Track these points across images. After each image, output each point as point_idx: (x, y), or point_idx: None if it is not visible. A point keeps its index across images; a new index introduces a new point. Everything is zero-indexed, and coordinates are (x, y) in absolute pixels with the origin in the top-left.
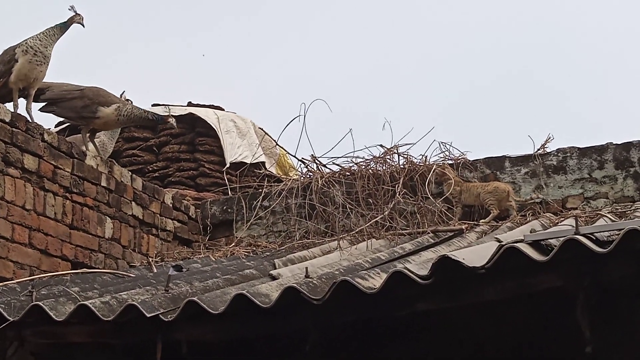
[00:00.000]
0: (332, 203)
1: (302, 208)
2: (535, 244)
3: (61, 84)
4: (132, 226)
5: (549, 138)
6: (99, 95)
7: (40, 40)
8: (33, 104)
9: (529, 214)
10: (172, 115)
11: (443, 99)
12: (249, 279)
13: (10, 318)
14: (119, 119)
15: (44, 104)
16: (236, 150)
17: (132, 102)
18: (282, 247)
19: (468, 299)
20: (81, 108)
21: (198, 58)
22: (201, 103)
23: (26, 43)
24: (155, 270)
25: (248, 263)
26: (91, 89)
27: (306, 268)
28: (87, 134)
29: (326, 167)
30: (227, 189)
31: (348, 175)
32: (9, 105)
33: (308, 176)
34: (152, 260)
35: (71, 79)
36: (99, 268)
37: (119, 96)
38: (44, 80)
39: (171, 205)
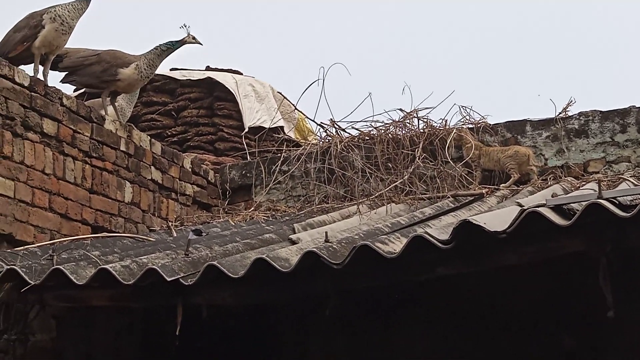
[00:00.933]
0: (351, 167)
1: (321, 172)
2: (558, 209)
3: (78, 49)
4: (152, 190)
5: (571, 101)
6: (115, 57)
7: (68, 11)
8: (50, 71)
9: (550, 178)
10: (189, 34)
11: (464, 61)
12: (269, 244)
13: (31, 282)
14: (140, 76)
15: (62, 73)
16: (255, 114)
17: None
18: (301, 212)
19: (489, 264)
20: (101, 72)
21: (218, 23)
22: (219, 67)
23: (54, 11)
24: (175, 235)
25: (267, 227)
26: (107, 52)
27: (326, 232)
28: (107, 98)
29: (345, 132)
30: (246, 153)
31: (367, 139)
32: (27, 69)
33: (327, 140)
34: (172, 225)
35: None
36: (119, 232)
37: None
38: None
39: (190, 170)
